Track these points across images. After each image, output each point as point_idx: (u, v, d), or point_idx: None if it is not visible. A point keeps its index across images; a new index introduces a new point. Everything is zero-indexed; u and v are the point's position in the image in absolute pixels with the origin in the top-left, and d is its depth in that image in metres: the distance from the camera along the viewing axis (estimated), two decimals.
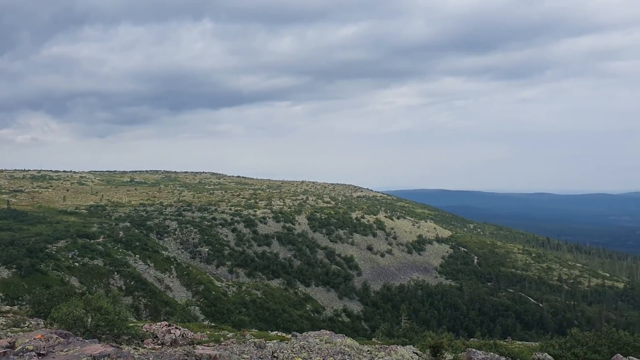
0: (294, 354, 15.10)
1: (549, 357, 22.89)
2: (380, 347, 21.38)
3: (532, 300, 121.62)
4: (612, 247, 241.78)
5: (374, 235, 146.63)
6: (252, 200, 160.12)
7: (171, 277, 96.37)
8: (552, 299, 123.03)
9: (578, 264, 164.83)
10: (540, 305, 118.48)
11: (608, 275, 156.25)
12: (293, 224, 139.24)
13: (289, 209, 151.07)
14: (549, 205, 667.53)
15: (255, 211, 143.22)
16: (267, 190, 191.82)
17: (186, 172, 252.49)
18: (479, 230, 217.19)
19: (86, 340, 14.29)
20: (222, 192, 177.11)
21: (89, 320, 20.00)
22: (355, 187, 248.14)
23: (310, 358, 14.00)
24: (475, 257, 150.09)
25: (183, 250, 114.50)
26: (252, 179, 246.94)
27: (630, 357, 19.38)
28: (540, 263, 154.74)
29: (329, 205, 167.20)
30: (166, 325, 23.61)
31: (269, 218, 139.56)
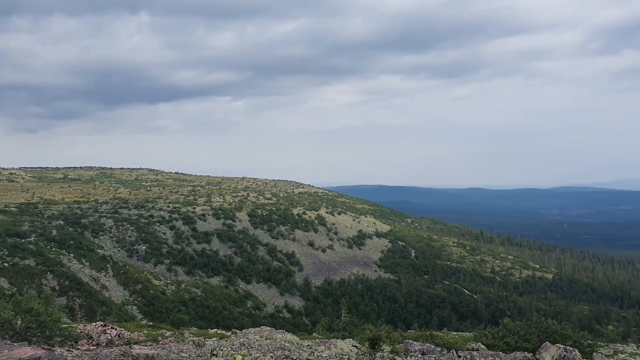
0: (234, 351, 15.13)
1: (482, 346, 23.87)
2: (320, 342, 21.69)
3: (466, 291, 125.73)
4: (541, 239, 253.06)
5: (316, 231, 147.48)
6: (191, 197, 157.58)
7: (107, 276, 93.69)
8: (486, 290, 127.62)
9: (510, 256, 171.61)
10: (475, 296, 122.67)
11: (538, 266, 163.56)
12: (233, 221, 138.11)
13: (230, 206, 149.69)
14: (483, 200, 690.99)
15: (194, 208, 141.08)
16: (207, 186, 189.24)
17: (122, 168, 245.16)
18: (416, 224, 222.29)
19: (15, 344, 13.82)
20: (159, 189, 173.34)
21: (19, 322, 19.26)
22: (297, 183, 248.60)
23: (250, 355, 14.07)
24: (413, 251, 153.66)
25: (119, 249, 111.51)
26: (191, 175, 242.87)
27: (558, 344, 20.46)
28: (474, 256, 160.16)
29: (270, 201, 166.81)
30: (101, 325, 23.02)
31: (209, 215, 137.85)
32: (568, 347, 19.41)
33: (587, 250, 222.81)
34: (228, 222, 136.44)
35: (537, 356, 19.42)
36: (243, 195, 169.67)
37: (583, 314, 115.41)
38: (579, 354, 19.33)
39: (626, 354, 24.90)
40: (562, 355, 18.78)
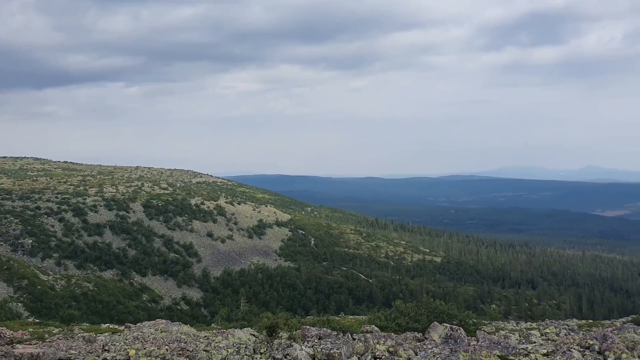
0: (127, 345, 14.72)
1: (375, 328, 24.86)
2: (218, 332, 21.61)
3: (362, 276, 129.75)
4: (431, 225, 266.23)
5: (215, 221, 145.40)
6: (82, 188, 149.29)
7: None
8: (380, 275, 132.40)
9: (402, 242, 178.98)
10: (370, 281, 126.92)
11: (428, 250, 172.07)
12: (127, 212, 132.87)
13: (123, 196, 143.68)
14: (378, 188, 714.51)
15: (84, 199, 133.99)
16: (98, 176, 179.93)
17: (5, 157, 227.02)
18: (315, 213, 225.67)
19: None
20: (47, 179, 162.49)
21: None
22: (195, 172, 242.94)
23: (145, 349, 13.77)
24: (312, 239, 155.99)
25: (2, 243, 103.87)
26: (82, 164, 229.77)
27: (445, 323, 21.73)
28: (370, 242, 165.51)
29: (166, 191, 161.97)
30: None
31: (101, 206, 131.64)
32: (454, 326, 20.72)
33: (472, 234, 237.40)
34: (121, 213, 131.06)
35: (426, 335, 20.57)
36: (137, 185, 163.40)
37: (469, 294, 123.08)
38: (464, 331, 20.70)
39: (507, 330, 26.97)
40: (449, 334, 20.02)
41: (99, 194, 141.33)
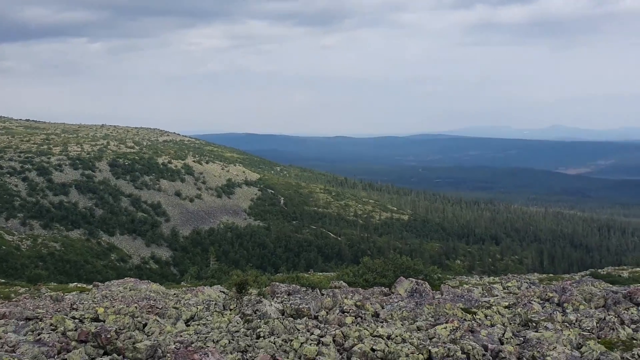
0: (96, 304, 14.71)
1: (344, 284, 25.34)
2: (188, 290, 21.73)
3: (332, 235, 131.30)
4: (398, 184, 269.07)
5: (183, 180, 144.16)
6: (45, 146, 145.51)
7: None
8: (349, 233, 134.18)
9: (371, 200, 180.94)
10: (339, 239, 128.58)
11: (395, 209, 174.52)
12: (93, 171, 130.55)
13: (88, 155, 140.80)
14: (347, 147, 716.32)
15: (49, 158, 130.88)
16: (63, 135, 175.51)
17: None
18: (285, 172, 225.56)
19: None
20: (8, 138, 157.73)
21: None
22: (162, 131, 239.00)
23: (113, 307, 13.78)
24: (282, 198, 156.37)
25: None
26: (45, 122, 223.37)
27: (411, 278, 22.24)
28: (339, 201, 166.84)
29: (133, 150, 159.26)
30: None
31: (66, 165, 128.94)
32: (420, 281, 21.23)
33: (439, 192, 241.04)
34: (87, 172, 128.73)
35: (393, 290, 21.06)
36: (103, 144, 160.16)
37: (434, 250, 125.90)
38: (429, 286, 21.24)
39: (470, 285, 27.80)
40: (414, 288, 20.53)
41: (63, 153, 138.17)
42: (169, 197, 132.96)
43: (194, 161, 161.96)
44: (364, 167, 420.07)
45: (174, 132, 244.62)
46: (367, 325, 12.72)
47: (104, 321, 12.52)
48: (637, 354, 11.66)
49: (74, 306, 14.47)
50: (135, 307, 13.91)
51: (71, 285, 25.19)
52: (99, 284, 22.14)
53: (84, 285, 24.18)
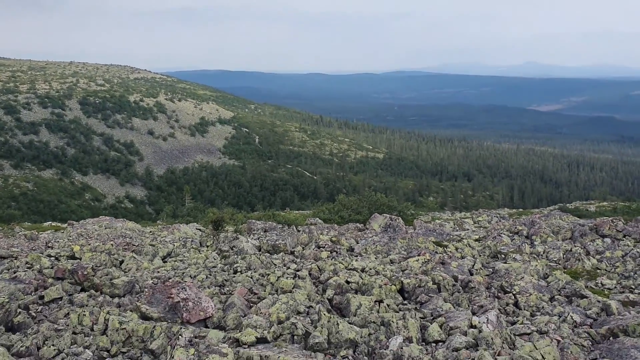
0: (71, 242, 14.69)
1: (320, 221, 25.68)
2: (164, 228, 21.81)
3: (307, 173, 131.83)
4: (374, 122, 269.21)
5: (155, 118, 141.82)
6: (12, 84, 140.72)
7: None
8: (325, 172, 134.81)
9: (346, 139, 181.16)
10: (315, 177, 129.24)
11: (371, 147, 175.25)
12: (63, 110, 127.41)
13: (57, 93, 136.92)
14: (322, 85, 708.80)
15: (16, 96, 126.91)
16: (29, 72, 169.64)
17: None
18: (259, 110, 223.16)
19: None
20: None
21: None
22: (132, 68, 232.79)
23: (89, 245, 13.79)
24: (257, 137, 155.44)
25: None
26: (9, 59, 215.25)
27: (385, 214, 22.62)
28: (315, 140, 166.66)
29: (103, 88, 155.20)
30: None
31: (34, 104, 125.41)
32: (393, 217, 21.63)
33: (413, 130, 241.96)
34: (57, 111, 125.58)
35: (367, 226, 21.44)
36: (72, 82, 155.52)
37: (408, 188, 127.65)
38: (402, 221, 21.66)
39: (442, 220, 28.43)
40: (388, 224, 20.93)
41: (31, 91, 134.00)
42: (142, 136, 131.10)
43: (166, 99, 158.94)
44: (340, 105, 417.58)
45: (145, 70, 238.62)
46: (342, 260, 13.01)
47: (80, 259, 12.56)
48: (601, 283, 12.21)
49: (49, 244, 14.44)
50: (112, 244, 13.94)
51: (45, 224, 25.03)
52: (74, 222, 22.04)
53: (59, 224, 24.06)
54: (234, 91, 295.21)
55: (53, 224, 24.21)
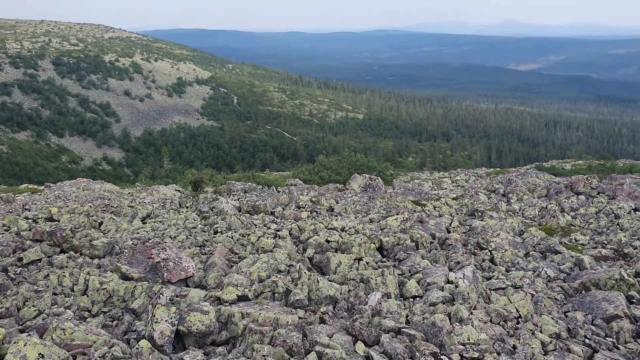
0: (49, 204, 14.54)
1: (300, 182, 25.70)
2: (142, 189, 21.66)
3: (287, 134, 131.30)
4: (354, 82, 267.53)
5: (131, 79, 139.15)
6: None
7: None
8: (305, 133, 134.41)
9: (326, 99, 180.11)
10: (294, 138, 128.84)
11: (351, 108, 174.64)
12: (36, 70, 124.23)
13: (29, 53, 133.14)
14: (301, 44, 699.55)
15: None
16: None
17: None
18: (237, 70, 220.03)
19: None
20: None
21: None
22: (107, 27, 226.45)
23: (67, 206, 13.67)
24: (235, 97, 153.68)
25: None
26: None
27: (364, 174, 22.73)
28: (294, 100, 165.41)
29: (77, 48, 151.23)
30: None
31: (5, 64, 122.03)
32: (373, 177, 21.75)
33: (393, 90, 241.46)
34: (30, 71, 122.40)
35: (347, 186, 21.55)
36: (44, 41, 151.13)
37: (388, 148, 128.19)
38: (381, 181, 21.81)
39: (420, 179, 28.67)
40: (368, 183, 21.06)
41: (1, 51, 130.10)
42: (118, 97, 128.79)
43: (142, 59, 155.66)
44: (319, 65, 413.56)
45: (120, 29, 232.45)
46: (322, 219, 13.10)
47: (58, 221, 12.45)
48: (575, 239, 12.51)
49: (26, 207, 14.28)
50: (90, 206, 13.83)
51: (22, 186, 24.68)
52: (51, 184, 21.76)
53: (35, 187, 23.74)
54: (211, 50, 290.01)
55: (30, 187, 23.88)
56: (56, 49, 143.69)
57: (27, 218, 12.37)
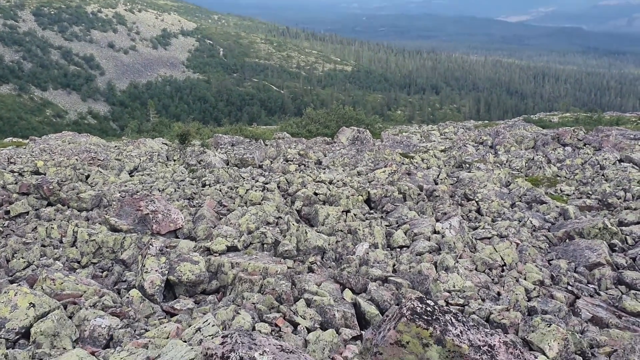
0: (34, 157, 14.39)
1: (287, 135, 25.59)
2: (129, 142, 21.48)
3: (274, 87, 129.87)
4: (342, 33, 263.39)
5: (115, 31, 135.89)
6: None
7: None
8: (292, 85, 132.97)
9: (314, 51, 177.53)
10: (282, 92, 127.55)
11: (339, 60, 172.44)
12: (16, 21, 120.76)
13: (8, 3, 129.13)
14: None
15: None
16: None
17: None
18: (223, 21, 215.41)
19: None
20: None
21: None
22: None
23: (53, 160, 13.54)
24: (221, 49, 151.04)
25: None
26: None
27: (352, 127, 22.66)
28: (281, 52, 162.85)
29: None
30: None
31: None
32: (361, 129, 21.70)
33: (382, 42, 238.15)
34: (9, 22, 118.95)
35: (335, 139, 21.51)
36: None
37: (376, 101, 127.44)
38: (370, 134, 21.79)
39: (409, 132, 28.65)
40: (356, 136, 21.03)
41: None
42: (102, 49, 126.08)
43: (125, 10, 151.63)
44: (307, 16, 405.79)
45: None
46: (310, 172, 13.12)
47: (44, 174, 12.36)
48: (560, 189, 12.66)
49: (12, 160, 14.12)
50: (76, 159, 13.71)
51: (6, 140, 24.37)
52: (36, 138, 21.50)
53: (20, 140, 23.46)
54: (195, 1, 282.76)
55: (14, 140, 23.60)
56: None
57: (12, 171, 12.25)
